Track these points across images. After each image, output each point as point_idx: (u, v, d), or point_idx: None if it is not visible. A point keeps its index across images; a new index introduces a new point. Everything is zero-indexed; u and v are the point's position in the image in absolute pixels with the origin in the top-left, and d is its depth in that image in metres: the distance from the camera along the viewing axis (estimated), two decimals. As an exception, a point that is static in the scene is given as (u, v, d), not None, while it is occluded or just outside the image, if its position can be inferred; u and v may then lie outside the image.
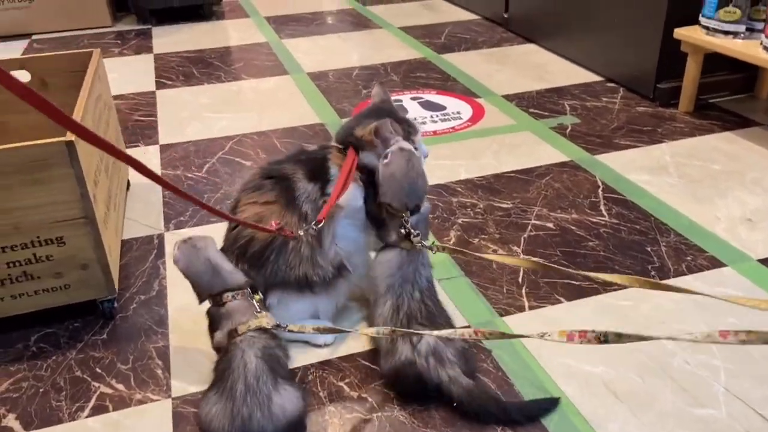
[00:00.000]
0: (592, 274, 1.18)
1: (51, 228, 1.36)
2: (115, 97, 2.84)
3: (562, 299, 1.52)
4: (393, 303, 1.29)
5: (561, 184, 2.02)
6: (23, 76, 1.89)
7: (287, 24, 3.93)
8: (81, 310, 1.51)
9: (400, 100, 2.72)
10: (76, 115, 1.42)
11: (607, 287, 1.55)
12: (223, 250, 1.39)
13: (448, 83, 2.89)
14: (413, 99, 2.73)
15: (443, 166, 2.16)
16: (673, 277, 1.58)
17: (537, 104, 2.63)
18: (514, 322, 1.46)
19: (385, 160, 1.35)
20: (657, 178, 2.03)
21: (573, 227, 1.80)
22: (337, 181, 1.36)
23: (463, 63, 3.14)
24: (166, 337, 1.45)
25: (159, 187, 2.09)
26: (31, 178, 1.30)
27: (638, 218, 1.83)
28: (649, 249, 1.69)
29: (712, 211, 1.84)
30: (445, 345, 1.22)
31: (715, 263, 1.62)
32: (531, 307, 1.50)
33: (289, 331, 1.26)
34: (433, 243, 1.34)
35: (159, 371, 1.36)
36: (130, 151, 2.34)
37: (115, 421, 1.24)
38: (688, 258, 1.65)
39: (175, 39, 3.70)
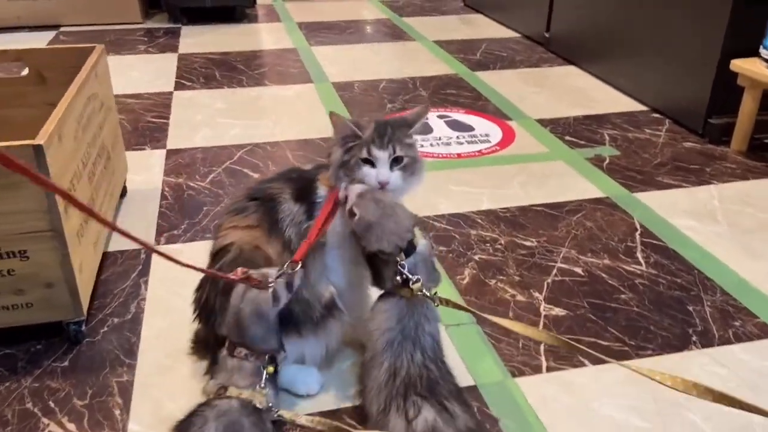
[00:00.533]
0: (634, 366, 0.98)
1: (13, 240, 1.21)
2: (131, 96, 2.72)
3: (586, 362, 1.32)
4: (390, 366, 1.10)
5: (594, 224, 1.82)
6: (21, 68, 1.77)
7: (319, 31, 3.80)
8: (45, 331, 1.36)
9: (426, 117, 2.53)
10: (56, 113, 1.28)
11: (640, 352, 1.35)
12: (202, 281, 1.23)
13: (478, 103, 2.71)
14: (440, 117, 2.55)
15: (464, 193, 1.98)
16: (718, 345, 1.36)
17: (573, 132, 2.42)
18: (528, 386, 1.26)
19: (355, 218, 1.14)
20: (703, 224, 1.82)
21: (604, 275, 1.60)
22: (323, 206, 1.20)
23: (498, 82, 2.95)
24: (133, 371, 1.29)
25: (157, 196, 1.95)
26: (-6, 183, 1.16)
27: (680, 270, 1.62)
28: (690, 308, 1.48)
29: (767, 269, 1.62)
30: (447, 424, 1.03)
31: (768, 331, 1.41)
32: (549, 369, 1.30)
33: (279, 416, 1.09)
34: (435, 293, 1.15)
35: (117, 411, 1.19)
36: (134, 155, 2.21)
37: (57, 470, 1.08)
38: (736, 323, 1.43)
39: (202, 39, 3.59)
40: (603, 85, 2.91)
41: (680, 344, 1.37)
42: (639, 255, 1.68)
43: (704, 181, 2.06)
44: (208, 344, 1.26)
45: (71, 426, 1.16)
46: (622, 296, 1.52)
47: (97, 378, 1.27)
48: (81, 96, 1.46)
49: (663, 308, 1.48)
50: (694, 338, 1.39)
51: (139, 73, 3.04)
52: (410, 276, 1.13)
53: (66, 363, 1.30)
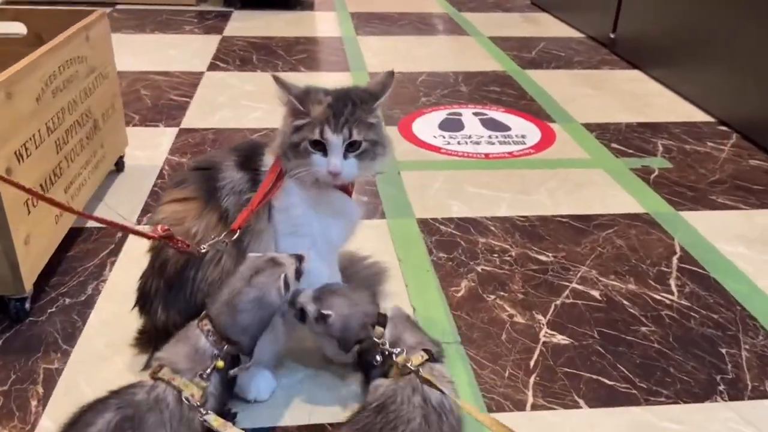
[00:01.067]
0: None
1: (-54, 203, 1.11)
2: (160, 74, 2.65)
3: (581, 402, 1.10)
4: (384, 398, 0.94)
5: (625, 242, 1.58)
6: (18, 28, 1.69)
7: (370, 21, 3.65)
8: (-13, 306, 1.26)
9: (460, 114, 2.34)
10: (11, 69, 1.18)
11: (651, 397, 1.12)
12: (145, 270, 1.10)
13: (522, 102, 2.48)
14: (475, 114, 2.34)
15: (481, 196, 1.77)
16: (750, 398, 1.12)
17: (623, 139, 2.17)
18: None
19: (329, 319, 1.02)
20: (757, 253, 1.55)
21: (625, 301, 1.36)
22: (267, 174, 1.05)
23: (548, 82, 2.71)
24: (66, 358, 1.16)
25: (153, 174, 1.84)
26: None
27: (718, 305, 1.36)
28: (723, 351, 1.23)
29: (828, 312, 1.35)
30: None
31: (819, 389, 1.14)
32: (535, 406, 1.09)
33: (205, 420, 0.93)
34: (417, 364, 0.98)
35: (34, 403, 1.07)
36: (145, 130, 2.12)
37: (-55, 463, 0.96)
38: (778, 375, 1.18)
39: (250, 24, 3.50)
40: (667, 91, 2.63)
41: (703, 393, 1.13)
42: (672, 282, 1.43)
43: (766, 204, 1.77)
44: (151, 337, 1.12)
45: (-21, 413, 1.04)
46: (643, 329, 1.28)
47: (26, 362, 1.15)
48: (57, 55, 1.36)
49: (690, 348, 1.24)
50: (721, 387, 1.14)
51: (177, 51, 2.97)
52: (391, 349, 0.99)
53: (-1, 342, 1.19)
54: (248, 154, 1.09)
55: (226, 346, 0.96)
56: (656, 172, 1.94)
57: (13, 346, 1.19)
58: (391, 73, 1.09)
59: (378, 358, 1.00)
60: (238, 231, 1.02)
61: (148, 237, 1.01)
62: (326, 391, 1.11)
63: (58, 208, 1.23)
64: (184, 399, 0.92)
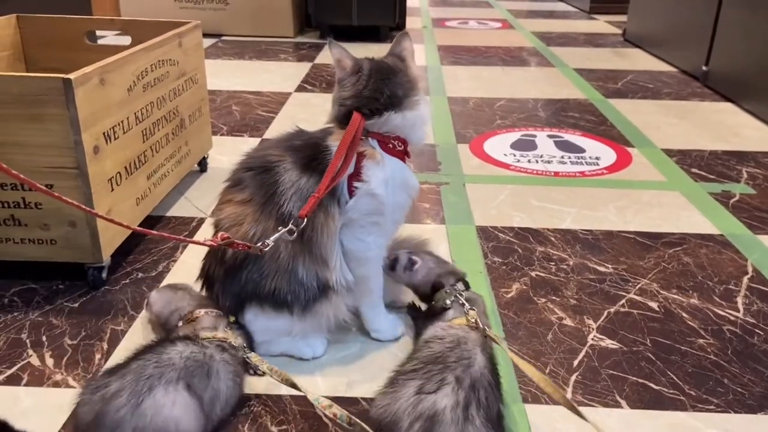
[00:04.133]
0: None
1: (42, 173, 1.24)
2: (252, 93, 2.83)
3: (623, 403, 1.07)
4: (434, 352, 1.01)
5: (693, 260, 1.52)
6: (125, 39, 1.88)
7: (457, 53, 3.73)
8: (71, 273, 1.38)
9: (534, 135, 2.34)
10: (108, 60, 1.32)
11: (699, 404, 1.06)
12: (207, 252, 1.17)
13: (601, 128, 2.45)
14: (550, 137, 2.34)
15: (546, 209, 1.76)
16: (811, 416, 1.04)
17: (705, 165, 2.09)
18: (538, 416, 1.04)
19: (416, 265, 1.23)
20: (840, 278, 1.45)
21: (685, 314, 1.31)
22: (335, 155, 1.07)
23: (631, 111, 2.66)
24: (132, 322, 1.26)
25: (233, 175, 1.95)
26: (27, 113, 1.20)
27: (788, 323, 1.28)
28: (787, 368, 1.16)
29: None
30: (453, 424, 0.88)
31: None
32: (573, 402, 1.06)
33: (247, 357, 1.05)
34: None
35: (98, 356, 1.16)
36: (232, 140, 2.26)
37: (14, 397, 1.06)
38: None
39: (340, 52, 3.67)
40: (759, 123, 2.52)
41: (757, 405, 1.06)
42: (739, 300, 1.36)
43: None
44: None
45: (50, 361, 1.14)
46: (700, 341, 1.23)
47: (96, 322, 1.25)
48: (149, 55, 1.50)
49: (749, 362, 1.17)
50: (779, 403, 1.07)
51: (270, 75, 3.16)
52: (466, 303, 1.12)
53: (76, 305, 1.31)
54: (310, 153, 1.10)
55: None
56: (737, 197, 1.86)
57: (87, 309, 1.29)
58: (404, 34, 1.21)
59: (448, 302, 1.11)
60: (305, 219, 1.03)
61: (210, 246, 1.05)
62: (365, 368, 1.14)
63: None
64: (228, 346, 1.00)
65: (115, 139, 1.35)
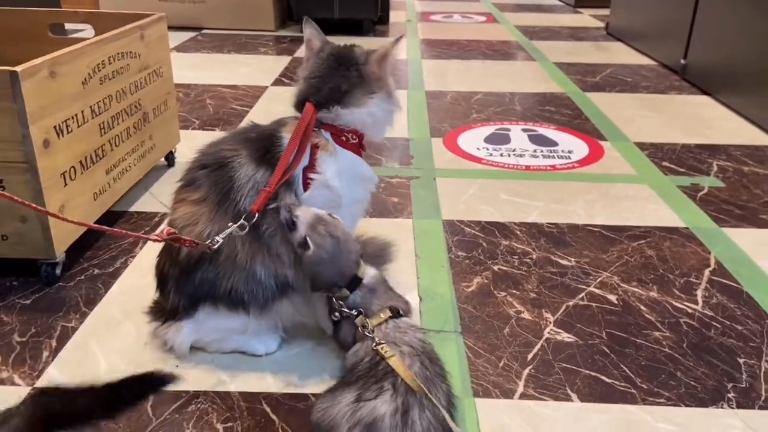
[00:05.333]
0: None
1: (-8, 167, 1.22)
2: (227, 87, 2.80)
3: (574, 396, 1.06)
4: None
5: (656, 253, 1.51)
6: (87, 30, 1.86)
7: (438, 47, 3.71)
8: (25, 269, 1.36)
9: (508, 129, 2.33)
10: (60, 52, 1.29)
11: (650, 398, 1.06)
12: (161, 252, 1.15)
13: (576, 121, 2.44)
14: (524, 131, 2.32)
15: (513, 203, 1.75)
16: (761, 407, 1.03)
17: (676, 158, 2.09)
18: (488, 410, 1.03)
19: (309, 251, 1.02)
20: (802, 270, 1.44)
21: (643, 307, 1.30)
22: (286, 147, 1.06)
23: (608, 104, 2.66)
24: (84, 318, 1.24)
25: (200, 170, 1.93)
26: (-27, 106, 1.18)
27: (746, 317, 1.28)
28: (741, 361, 1.15)
29: None
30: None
31: None
32: (523, 396, 1.06)
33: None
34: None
35: (45, 353, 1.15)
36: (203, 134, 2.24)
37: (-44, 395, 1.04)
38: (798, 388, 1.08)
39: (320, 46, 3.64)
40: (734, 116, 2.51)
41: (709, 398, 1.06)
42: (699, 293, 1.36)
43: (824, 225, 1.65)
44: (163, 310, 1.17)
45: (-3, 358, 1.13)
46: (656, 333, 1.22)
47: (47, 320, 1.23)
48: (106, 47, 1.48)
49: (704, 355, 1.16)
50: (730, 395, 1.06)
51: (247, 69, 3.13)
52: (348, 311, 1.01)
53: (28, 301, 1.29)
54: (263, 145, 1.09)
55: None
56: (705, 190, 1.85)
57: (39, 306, 1.28)
58: (400, 37, 1.20)
59: (336, 315, 1.02)
60: (257, 215, 1.02)
61: (154, 240, 1.03)
62: (317, 365, 1.12)
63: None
64: None
65: (68, 132, 1.33)
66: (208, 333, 1.12)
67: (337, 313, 1.02)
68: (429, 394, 0.86)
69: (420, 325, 1.06)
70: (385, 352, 0.93)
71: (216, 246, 1.02)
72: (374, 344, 0.94)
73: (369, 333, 0.97)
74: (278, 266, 1.08)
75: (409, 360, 0.93)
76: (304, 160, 1.10)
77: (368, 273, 1.06)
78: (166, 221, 1.12)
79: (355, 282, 1.04)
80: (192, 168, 1.12)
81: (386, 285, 1.08)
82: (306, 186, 1.11)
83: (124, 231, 1.09)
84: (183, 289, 1.10)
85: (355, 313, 1.00)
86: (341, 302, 1.02)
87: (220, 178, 1.07)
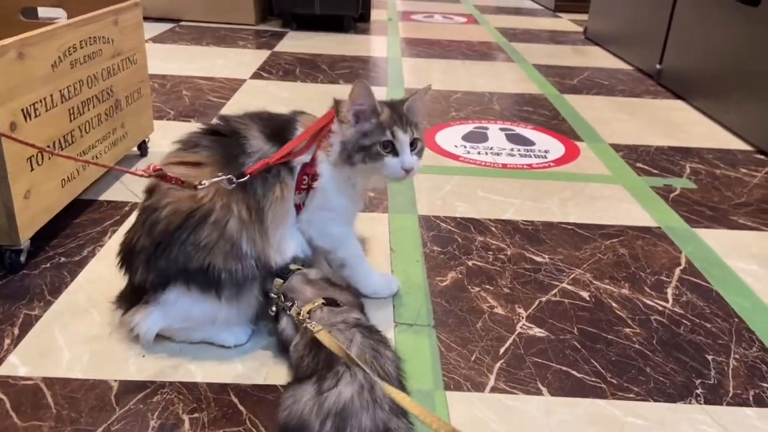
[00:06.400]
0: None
1: (-45, 150, 1.19)
2: (204, 79, 2.77)
3: (544, 390, 1.06)
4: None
5: (629, 251, 1.52)
6: (59, 13, 1.82)
7: (419, 46, 3.71)
8: (-12, 256, 1.32)
9: (486, 128, 2.33)
10: (27, 34, 1.26)
11: (619, 392, 1.06)
12: (133, 226, 1.12)
13: (552, 122, 2.46)
14: (502, 130, 2.33)
15: (490, 200, 1.75)
16: (728, 404, 1.04)
17: (650, 160, 2.11)
18: (458, 402, 1.02)
19: None
20: (770, 271, 1.46)
21: (615, 304, 1.31)
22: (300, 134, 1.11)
23: (585, 106, 2.67)
24: (48, 307, 1.21)
25: (174, 160, 1.91)
26: (-64, 86, 1.15)
27: (715, 315, 1.29)
28: (710, 357, 1.16)
29: (837, 332, 1.25)
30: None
31: (811, 404, 1.06)
32: (494, 389, 1.05)
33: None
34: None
35: (7, 341, 1.11)
36: (177, 124, 2.21)
37: None
38: (764, 384, 1.09)
39: (301, 42, 3.63)
40: (707, 120, 2.55)
41: (677, 394, 1.06)
42: (669, 291, 1.37)
43: (792, 228, 1.68)
44: (130, 300, 1.14)
45: (-44, 345, 1.09)
46: (627, 330, 1.23)
47: (10, 307, 1.20)
48: (78, 31, 1.45)
49: (673, 351, 1.17)
50: (698, 391, 1.07)
51: (225, 61, 3.10)
52: (282, 302, 1.04)
53: (-9, 288, 1.25)
54: (277, 125, 1.13)
55: None
56: (677, 191, 1.87)
57: (2, 293, 1.24)
58: (427, 88, 1.20)
59: (273, 309, 1.04)
60: (248, 176, 1.04)
61: (140, 175, 1.00)
62: (286, 356, 1.11)
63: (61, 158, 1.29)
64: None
65: (36, 116, 1.30)
66: (177, 320, 1.09)
67: (274, 307, 1.03)
68: (357, 361, 0.85)
69: (362, 311, 1.06)
70: (313, 327, 0.92)
71: (202, 187, 1.01)
72: (302, 323, 0.94)
73: (302, 318, 0.96)
74: (266, 245, 1.08)
75: (349, 333, 0.93)
76: (307, 156, 1.14)
77: (311, 270, 1.09)
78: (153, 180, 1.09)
79: (284, 270, 1.07)
80: (195, 133, 1.13)
81: (332, 283, 1.09)
82: (299, 185, 1.13)
83: (112, 165, 1.03)
84: (155, 264, 1.05)
85: (289, 304, 1.01)
86: (276, 293, 1.04)
87: (231, 143, 1.09)
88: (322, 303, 1.00)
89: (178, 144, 1.13)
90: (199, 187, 1.01)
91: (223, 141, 1.10)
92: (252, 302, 1.11)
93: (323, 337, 0.90)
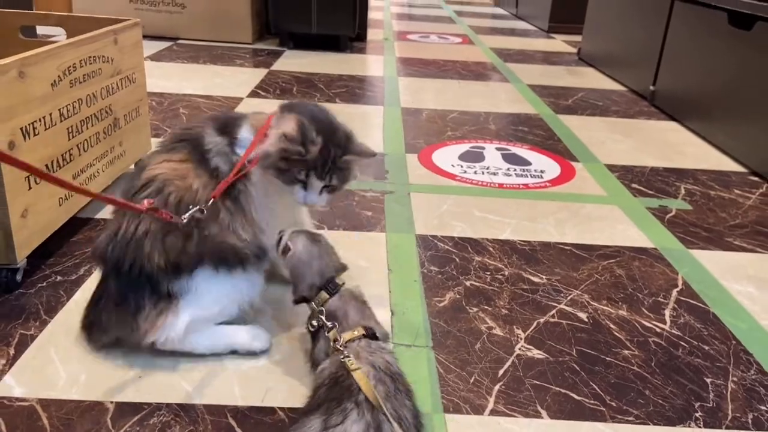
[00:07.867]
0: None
1: (-48, 168, 1.18)
2: (202, 97, 2.78)
3: (544, 413, 1.06)
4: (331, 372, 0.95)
5: (626, 272, 1.52)
6: (59, 32, 1.83)
7: (415, 65, 3.74)
8: (-16, 274, 1.31)
9: (483, 147, 2.35)
10: (29, 52, 1.27)
11: (618, 415, 1.06)
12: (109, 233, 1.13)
13: (548, 142, 2.47)
14: (498, 149, 2.34)
15: (487, 220, 1.76)
16: (728, 428, 1.04)
17: (645, 181, 2.12)
18: (457, 426, 1.02)
19: (288, 254, 1.09)
20: (766, 295, 1.47)
21: (613, 326, 1.31)
22: (249, 144, 1.14)
23: (580, 127, 2.70)
24: (44, 326, 1.20)
25: (171, 179, 1.90)
26: (-64, 104, 1.15)
27: (713, 338, 1.29)
28: (708, 381, 1.16)
29: (834, 354, 1.26)
30: None
31: (809, 427, 1.06)
32: (494, 412, 1.05)
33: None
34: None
35: (2, 362, 1.10)
36: (174, 143, 2.20)
37: None
38: (763, 407, 1.09)
39: (298, 61, 3.65)
40: (701, 142, 2.57)
41: (676, 417, 1.06)
42: (667, 313, 1.37)
43: (787, 249, 1.69)
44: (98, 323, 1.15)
45: (-50, 365, 1.08)
46: (625, 352, 1.23)
47: (5, 327, 1.19)
48: (78, 50, 1.45)
49: (672, 374, 1.17)
50: (698, 414, 1.07)
51: (223, 80, 3.11)
52: (324, 320, 1.01)
53: (-14, 307, 1.24)
54: (226, 122, 1.20)
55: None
56: (673, 212, 1.88)
57: (-2, 312, 1.23)
58: (374, 154, 1.21)
59: (314, 323, 1.01)
60: (213, 199, 1.09)
61: (137, 210, 1.01)
62: (284, 378, 1.10)
63: (61, 187, 1.29)
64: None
65: (35, 134, 1.30)
66: (209, 305, 1.11)
67: (314, 322, 1.01)
68: (384, 409, 0.84)
69: (392, 350, 1.04)
70: (351, 364, 0.91)
71: (184, 221, 1.05)
72: (342, 357, 0.93)
73: (340, 347, 0.96)
74: (256, 230, 1.15)
75: (373, 380, 0.91)
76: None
77: (347, 286, 1.07)
78: (143, 176, 1.12)
79: (332, 284, 1.04)
80: (169, 141, 1.19)
81: (364, 304, 1.07)
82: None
83: (106, 196, 1.03)
84: (184, 250, 1.08)
85: (330, 325, 0.99)
86: (320, 310, 1.02)
87: (195, 145, 1.16)
88: (363, 334, 0.99)
89: (160, 151, 1.18)
90: (183, 221, 1.05)
91: (192, 143, 1.17)
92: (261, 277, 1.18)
93: (359, 377, 0.89)
